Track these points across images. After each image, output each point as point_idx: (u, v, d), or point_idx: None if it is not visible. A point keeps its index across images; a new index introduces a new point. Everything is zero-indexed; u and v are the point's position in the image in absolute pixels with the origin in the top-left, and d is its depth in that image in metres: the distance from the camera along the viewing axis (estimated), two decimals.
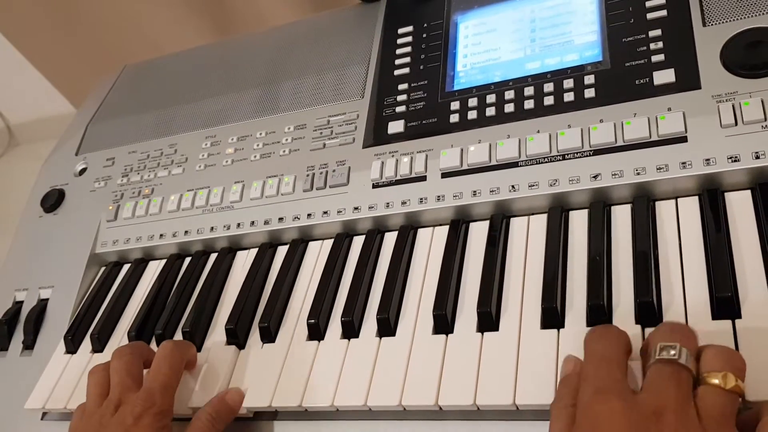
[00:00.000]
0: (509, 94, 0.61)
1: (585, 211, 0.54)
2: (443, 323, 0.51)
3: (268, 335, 0.57)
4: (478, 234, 0.57)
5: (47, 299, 0.72)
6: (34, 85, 1.81)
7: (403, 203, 0.60)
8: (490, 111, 0.61)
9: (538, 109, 0.59)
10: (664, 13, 0.58)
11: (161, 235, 0.70)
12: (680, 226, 0.51)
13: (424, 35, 0.70)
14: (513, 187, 0.56)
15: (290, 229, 0.65)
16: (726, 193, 0.51)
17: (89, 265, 0.72)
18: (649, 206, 0.52)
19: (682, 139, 0.52)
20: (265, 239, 0.66)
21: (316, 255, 0.63)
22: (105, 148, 0.82)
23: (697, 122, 0.52)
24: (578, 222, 0.54)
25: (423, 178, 0.60)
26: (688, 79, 0.54)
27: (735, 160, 0.50)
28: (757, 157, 0.49)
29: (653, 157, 0.52)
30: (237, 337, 0.58)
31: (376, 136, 0.65)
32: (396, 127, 0.65)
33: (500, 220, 0.57)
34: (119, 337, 0.65)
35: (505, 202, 0.57)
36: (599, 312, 0.47)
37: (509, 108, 0.61)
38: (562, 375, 0.43)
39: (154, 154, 0.77)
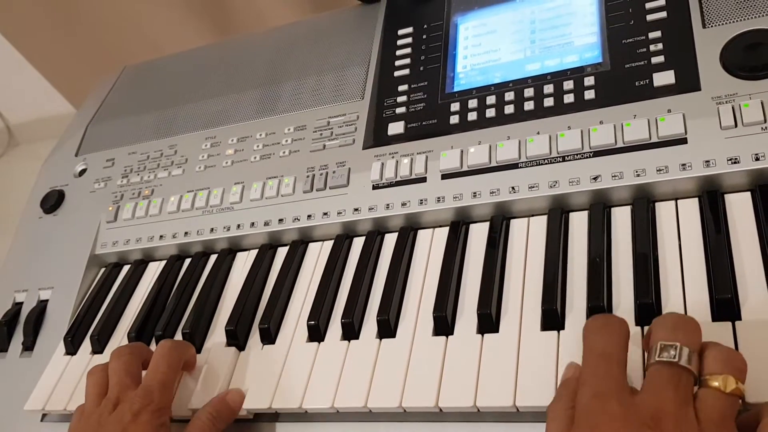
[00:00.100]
0: (509, 96, 0.61)
1: (585, 213, 0.55)
2: (443, 325, 0.51)
3: (268, 336, 0.57)
4: (478, 235, 0.57)
5: (47, 300, 0.72)
6: (34, 85, 1.81)
7: (403, 204, 0.60)
8: (490, 112, 0.61)
9: (538, 110, 0.59)
10: (663, 14, 0.58)
11: (161, 236, 0.70)
12: (680, 227, 0.51)
13: (424, 36, 0.70)
14: (513, 188, 0.56)
15: (290, 231, 0.65)
16: (726, 195, 0.51)
17: (89, 266, 0.72)
18: (649, 208, 0.52)
19: (682, 141, 0.52)
20: (265, 240, 0.66)
21: (316, 256, 0.63)
22: (105, 148, 0.82)
23: (696, 124, 0.52)
24: (578, 223, 0.54)
25: (423, 180, 0.61)
26: (688, 81, 0.54)
27: (735, 162, 0.50)
28: (757, 159, 0.49)
29: (653, 158, 0.52)
30: (237, 338, 0.58)
31: (376, 137, 0.65)
32: (396, 128, 0.65)
33: (500, 221, 0.57)
34: (119, 339, 0.65)
35: (505, 203, 0.57)
36: (599, 313, 0.46)
37: (509, 109, 0.61)
38: (562, 379, 0.43)
39: (154, 155, 0.77)
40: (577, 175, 0.54)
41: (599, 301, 0.47)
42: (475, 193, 0.58)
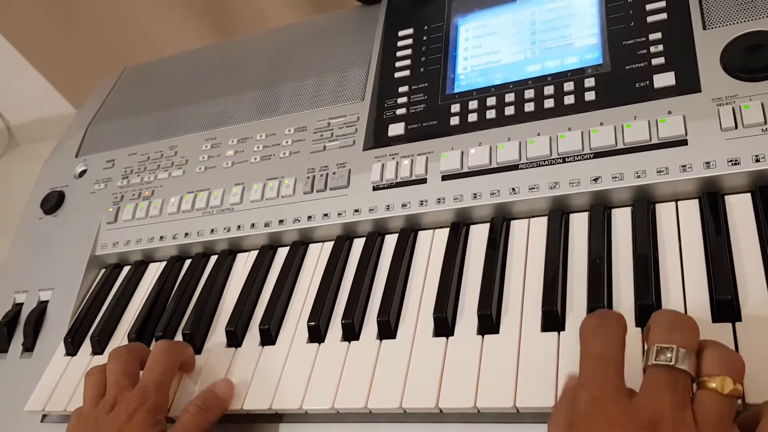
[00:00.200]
0: (509, 97, 0.61)
1: (585, 214, 0.55)
2: (444, 326, 0.51)
3: (269, 337, 0.57)
4: (478, 236, 0.57)
5: (47, 301, 0.72)
6: (34, 86, 1.81)
7: (404, 206, 0.60)
8: (491, 114, 0.61)
9: (539, 111, 0.59)
10: (664, 16, 0.58)
11: (161, 237, 0.70)
12: (680, 228, 0.51)
13: (425, 38, 0.70)
14: (513, 189, 0.56)
15: (290, 231, 0.65)
16: (726, 196, 0.51)
17: (89, 267, 0.72)
18: (649, 209, 0.52)
19: (683, 142, 0.52)
20: (265, 241, 0.66)
21: (317, 257, 0.63)
22: (105, 149, 0.82)
23: (697, 125, 0.52)
24: (578, 225, 0.54)
25: (423, 181, 0.61)
26: (689, 82, 0.54)
27: (735, 163, 0.50)
28: (757, 161, 0.49)
29: (653, 160, 0.52)
30: (237, 339, 0.58)
31: (377, 138, 0.66)
32: (396, 129, 0.65)
33: (500, 222, 0.57)
34: (119, 339, 0.65)
35: (505, 204, 0.57)
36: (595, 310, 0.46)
37: (509, 111, 0.61)
38: (566, 382, 0.43)
39: (155, 156, 0.77)
40: (577, 176, 0.54)
41: (599, 302, 0.47)
42: (475, 194, 0.58)
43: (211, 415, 0.52)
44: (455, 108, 0.63)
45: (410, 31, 0.71)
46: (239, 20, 1.36)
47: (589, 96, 0.58)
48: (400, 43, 0.71)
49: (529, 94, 0.61)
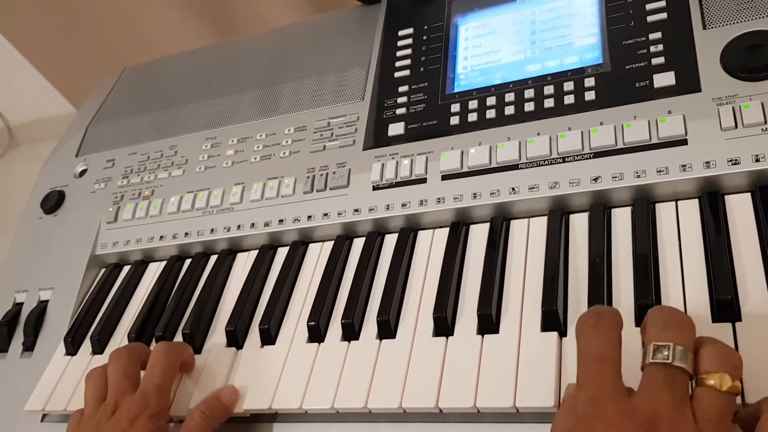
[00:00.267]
0: (509, 97, 0.61)
1: (585, 214, 0.55)
2: (443, 326, 0.51)
3: (268, 337, 0.57)
4: (478, 236, 0.57)
5: (47, 301, 0.72)
6: (34, 85, 1.81)
7: (404, 205, 0.60)
8: (491, 113, 0.61)
9: (539, 111, 0.59)
10: (664, 15, 0.58)
11: (161, 237, 0.70)
12: (680, 228, 0.51)
13: (425, 37, 0.70)
14: (513, 189, 0.56)
15: (290, 231, 0.65)
16: (726, 196, 0.51)
17: (89, 266, 0.72)
18: (649, 209, 0.52)
19: (683, 142, 0.52)
20: (265, 241, 0.66)
21: (317, 257, 0.63)
22: (105, 149, 0.82)
23: (697, 125, 0.52)
24: (578, 224, 0.54)
25: (423, 180, 0.61)
26: (689, 82, 0.54)
27: (735, 163, 0.50)
28: (757, 160, 0.49)
29: (653, 159, 0.52)
30: (237, 339, 0.58)
31: (377, 138, 0.66)
32: (396, 129, 0.65)
33: (500, 222, 0.57)
34: (119, 339, 0.65)
35: (505, 204, 0.57)
36: (595, 305, 0.46)
37: (509, 110, 0.61)
38: (564, 395, 0.42)
39: (155, 155, 0.77)
40: (577, 176, 0.54)
41: (599, 302, 0.47)
42: (475, 194, 0.58)
43: (216, 423, 0.52)
44: (455, 108, 0.63)
45: (410, 30, 0.71)
46: (239, 20, 1.36)
47: (589, 96, 0.58)
48: (400, 43, 0.71)
49: (529, 93, 0.61)
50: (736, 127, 0.51)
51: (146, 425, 0.50)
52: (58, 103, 1.86)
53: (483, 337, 0.50)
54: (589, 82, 0.59)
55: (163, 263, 0.70)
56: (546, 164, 0.56)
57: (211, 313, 0.63)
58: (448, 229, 0.59)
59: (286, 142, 0.70)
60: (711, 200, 0.50)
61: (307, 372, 0.53)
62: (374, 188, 0.62)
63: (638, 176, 0.52)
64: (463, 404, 0.46)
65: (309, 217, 0.64)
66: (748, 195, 0.50)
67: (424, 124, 0.64)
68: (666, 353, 0.37)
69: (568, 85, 0.59)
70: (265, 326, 0.57)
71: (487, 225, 0.57)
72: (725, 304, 0.44)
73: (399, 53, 0.70)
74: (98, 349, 0.64)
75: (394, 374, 0.50)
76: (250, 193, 0.68)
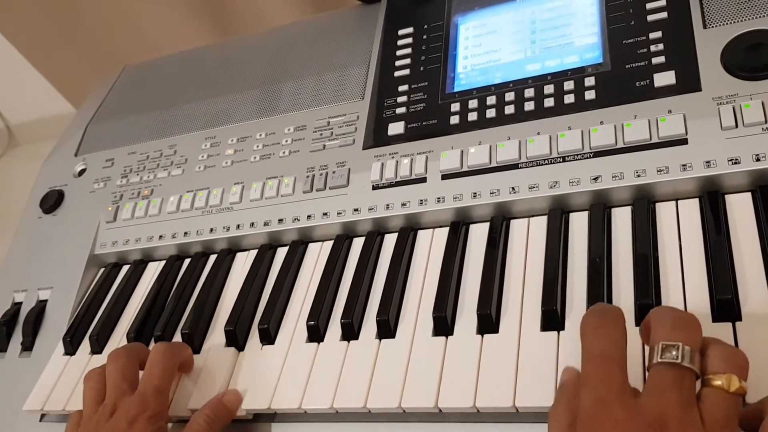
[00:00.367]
0: (509, 96, 0.61)
1: (585, 213, 0.54)
2: (443, 325, 0.51)
3: (268, 337, 0.57)
4: (478, 236, 0.57)
5: (46, 300, 0.71)
6: (34, 85, 1.81)
7: (403, 205, 0.60)
8: (491, 113, 0.61)
9: (539, 110, 0.59)
10: (664, 15, 0.58)
11: (160, 237, 0.70)
12: (680, 228, 0.50)
13: (425, 36, 0.70)
14: (513, 188, 0.56)
15: (290, 231, 0.64)
16: (726, 196, 0.51)
17: (88, 266, 0.72)
18: (649, 208, 0.52)
19: (683, 141, 0.52)
20: (264, 240, 0.66)
21: (316, 256, 0.63)
22: (104, 148, 0.82)
23: (697, 124, 0.52)
24: (578, 224, 0.54)
25: (423, 180, 0.60)
26: (689, 81, 0.54)
27: (735, 163, 0.50)
28: (758, 160, 0.49)
29: (653, 159, 0.52)
30: (236, 338, 0.58)
31: (376, 137, 0.65)
32: (396, 128, 0.65)
33: (500, 221, 0.56)
34: (118, 339, 0.65)
35: (505, 203, 0.57)
36: (597, 303, 0.46)
37: (509, 110, 0.60)
38: (560, 381, 0.42)
39: (154, 155, 0.77)
40: (577, 175, 0.54)
41: (599, 301, 0.47)
42: (475, 193, 0.58)
43: (219, 427, 0.52)
44: (455, 107, 0.63)
45: (410, 30, 0.71)
46: (239, 20, 1.36)
47: (589, 95, 0.58)
48: (400, 42, 0.71)
49: (529, 93, 0.60)
50: (737, 126, 0.51)
51: (145, 427, 0.50)
52: (57, 103, 1.86)
53: (483, 336, 0.49)
54: (589, 81, 0.58)
55: (163, 263, 0.70)
56: (546, 164, 0.56)
57: (211, 313, 0.63)
58: (447, 228, 0.58)
59: (286, 141, 0.70)
60: (711, 200, 0.50)
61: (306, 372, 0.53)
62: (374, 188, 0.62)
63: (638, 176, 0.52)
64: (463, 404, 0.46)
65: (308, 216, 0.64)
66: (749, 194, 0.50)
67: (424, 123, 0.64)
68: (675, 353, 0.36)
69: (568, 85, 0.59)
70: (264, 326, 0.57)
71: (487, 224, 0.57)
72: (725, 304, 0.44)
73: (399, 52, 0.70)
74: (97, 348, 0.64)
75: (393, 374, 0.50)
76: (250, 192, 0.68)
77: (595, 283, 0.49)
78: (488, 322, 0.50)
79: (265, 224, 0.65)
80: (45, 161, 0.85)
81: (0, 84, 2.00)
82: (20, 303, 0.73)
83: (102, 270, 0.73)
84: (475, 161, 0.59)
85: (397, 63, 0.69)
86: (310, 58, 0.76)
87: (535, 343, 0.48)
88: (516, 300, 0.51)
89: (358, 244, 0.62)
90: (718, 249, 0.47)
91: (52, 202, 0.78)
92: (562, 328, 0.48)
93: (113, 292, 0.69)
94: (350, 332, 0.54)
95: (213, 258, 0.68)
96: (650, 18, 0.59)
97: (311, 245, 0.64)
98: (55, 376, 0.63)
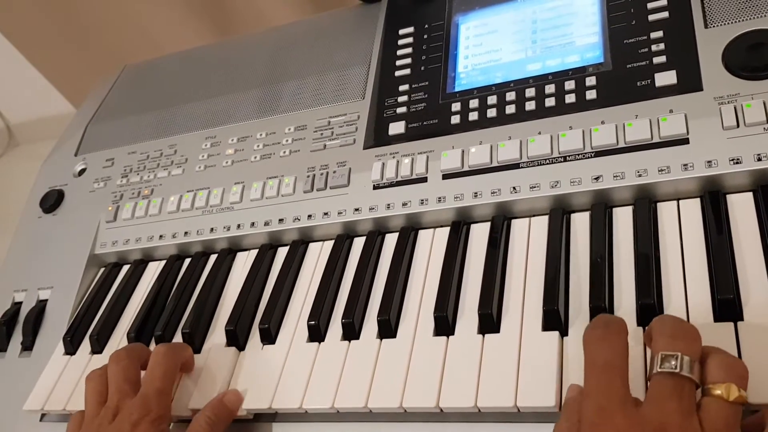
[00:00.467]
0: (510, 96, 0.61)
1: (586, 213, 0.54)
2: (444, 325, 0.51)
3: (269, 337, 0.57)
4: (479, 235, 0.57)
5: (46, 300, 0.71)
6: (34, 85, 1.81)
7: (404, 204, 0.60)
8: (491, 112, 0.61)
9: (540, 110, 0.59)
10: (665, 14, 0.58)
11: (161, 236, 0.70)
12: (682, 227, 0.50)
13: (425, 36, 0.70)
14: (514, 188, 0.56)
15: (290, 230, 0.64)
16: (728, 195, 0.51)
17: (88, 265, 0.72)
18: (650, 208, 0.52)
19: (684, 141, 0.52)
20: (265, 240, 0.66)
21: (317, 256, 0.63)
22: (104, 148, 0.82)
23: (698, 124, 0.52)
24: (580, 224, 0.54)
25: (424, 180, 0.60)
26: (690, 81, 0.54)
27: (737, 162, 0.49)
28: (759, 159, 0.49)
29: (655, 158, 0.52)
30: (237, 338, 0.58)
31: (377, 137, 0.65)
32: (397, 128, 0.65)
33: (501, 221, 0.56)
34: (118, 339, 0.65)
35: (506, 203, 0.57)
36: (599, 315, 0.46)
37: (510, 109, 0.60)
38: (565, 398, 0.42)
39: (154, 154, 0.77)
40: (578, 175, 0.54)
41: (600, 301, 0.47)
42: (476, 193, 0.58)
43: (220, 427, 0.52)
44: (456, 107, 0.63)
45: (411, 29, 0.71)
46: (239, 20, 1.36)
47: (590, 95, 0.58)
48: (400, 42, 0.71)
49: (530, 92, 0.60)
50: (738, 126, 0.51)
51: (148, 430, 0.49)
52: (57, 103, 1.86)
53: (484, 336, 0.49)
54: (591, 81, 0.58)
55: (163, 262, 0.70)
56: (547, 163, 0.56)
57: (211, 313, 0.63)
58: (448, 228, 0.58)
59: (287, 141, 0.70)
60: (713, 199, 0.50)
61: (307, 371, 0.53)
62: (375, 187, 0.62)
63: (640, 175, 0.52)
64: (464, 404, 0.46)
65: (309, 216, 0.64)
66: (750, 194, 0.50)
67: (424, 123, 0.64)
68: (674, 363, 0.37)
69: (569, 84, 0.59)
70: (265, 326, 0.57)
71: (488, 224, 0.57)
72: (727, 304, 0.44)
73: (400, 52, 0.70)
74: (97, 348, 0.64)
75: (394, 374, 0.50)
76: (250, 192, 0.68)
77: (596, 282, 0.48)
78: (489, 322, 0.50)
79: (266, 224, 0.65)
80: (45, 161, 0.85)
81: (0, 84, 2.00)
82: (20, 303, 0.73)
83: (102, 270, 0.73)
84: (476, 161, 0.59)
85: (398, 62, 0.69)
86: (310, 58, 0.76)
87: (536, 342, 0.48)
88: (517, 300, 0.51)
89: (358, 243, 0.62)
90: (720, 249, 0.47)
91: (52, 201, 0.78)
92: (564, 328, 0.48)
93: (113, 292, 0.69)
94: (351, 332, 0.54)
95: (213, 258, 0.68)
96: (651, 17, 0.59)
97: (312, 245, 0.64)
98: (56, 375, 0.63)
